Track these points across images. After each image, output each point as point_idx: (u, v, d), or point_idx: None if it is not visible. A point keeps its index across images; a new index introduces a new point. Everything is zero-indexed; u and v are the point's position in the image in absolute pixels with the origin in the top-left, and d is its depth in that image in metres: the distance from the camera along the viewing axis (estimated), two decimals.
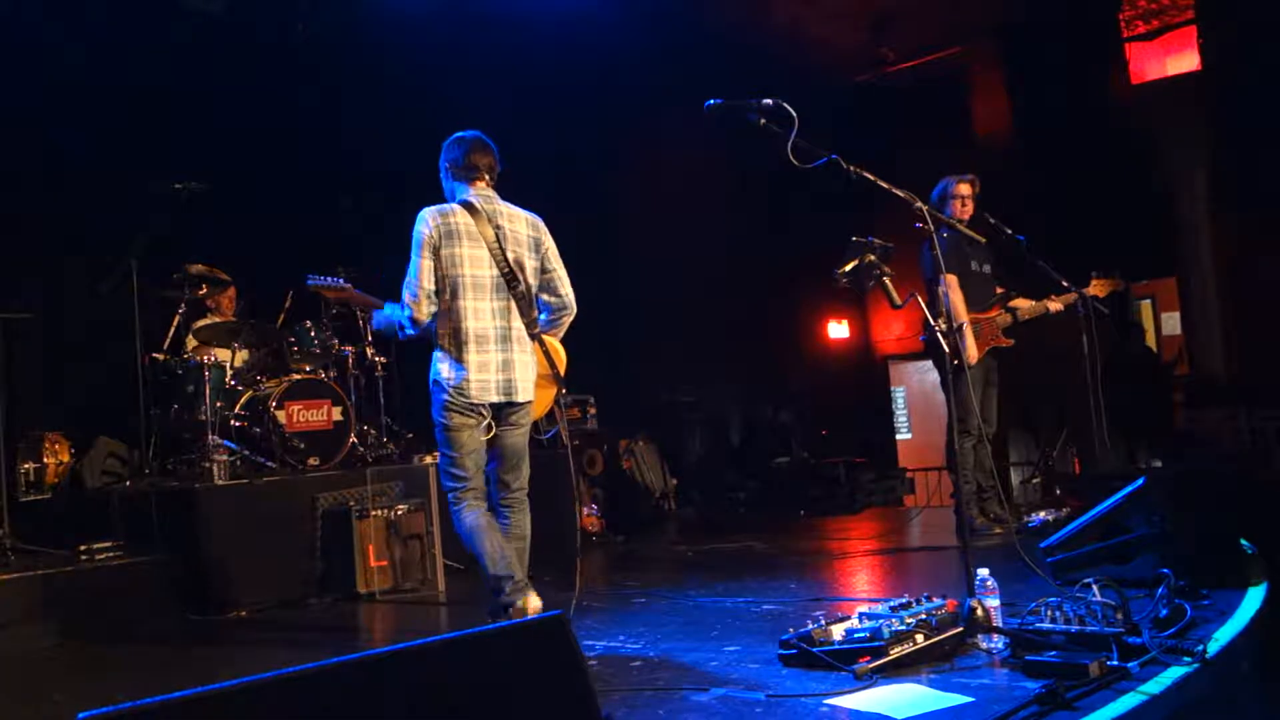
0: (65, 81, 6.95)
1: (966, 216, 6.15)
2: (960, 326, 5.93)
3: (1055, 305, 6.33)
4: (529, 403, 4.18)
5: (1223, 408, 8.62)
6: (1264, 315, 8.90)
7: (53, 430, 6.60)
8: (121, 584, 5.21)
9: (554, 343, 4.30)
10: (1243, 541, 4.57)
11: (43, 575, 5.02)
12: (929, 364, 11.78)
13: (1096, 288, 6.38)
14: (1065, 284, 6.62)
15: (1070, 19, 9.54)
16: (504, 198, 4.29)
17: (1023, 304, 6.32)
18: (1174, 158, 9.65)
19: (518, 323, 4.13)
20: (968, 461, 6.04)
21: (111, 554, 5.35)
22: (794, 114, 3.70)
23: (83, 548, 5.33)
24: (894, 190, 3.84)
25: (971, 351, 6.00)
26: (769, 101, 3.79)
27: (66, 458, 6.57)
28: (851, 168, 3.83)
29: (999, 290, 6.34)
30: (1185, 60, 9.31)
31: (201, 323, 6.88)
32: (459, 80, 8.20)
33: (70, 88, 6.98)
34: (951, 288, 5.97)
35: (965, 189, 6.21)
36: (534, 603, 3.93)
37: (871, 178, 3.85)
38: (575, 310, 4.30)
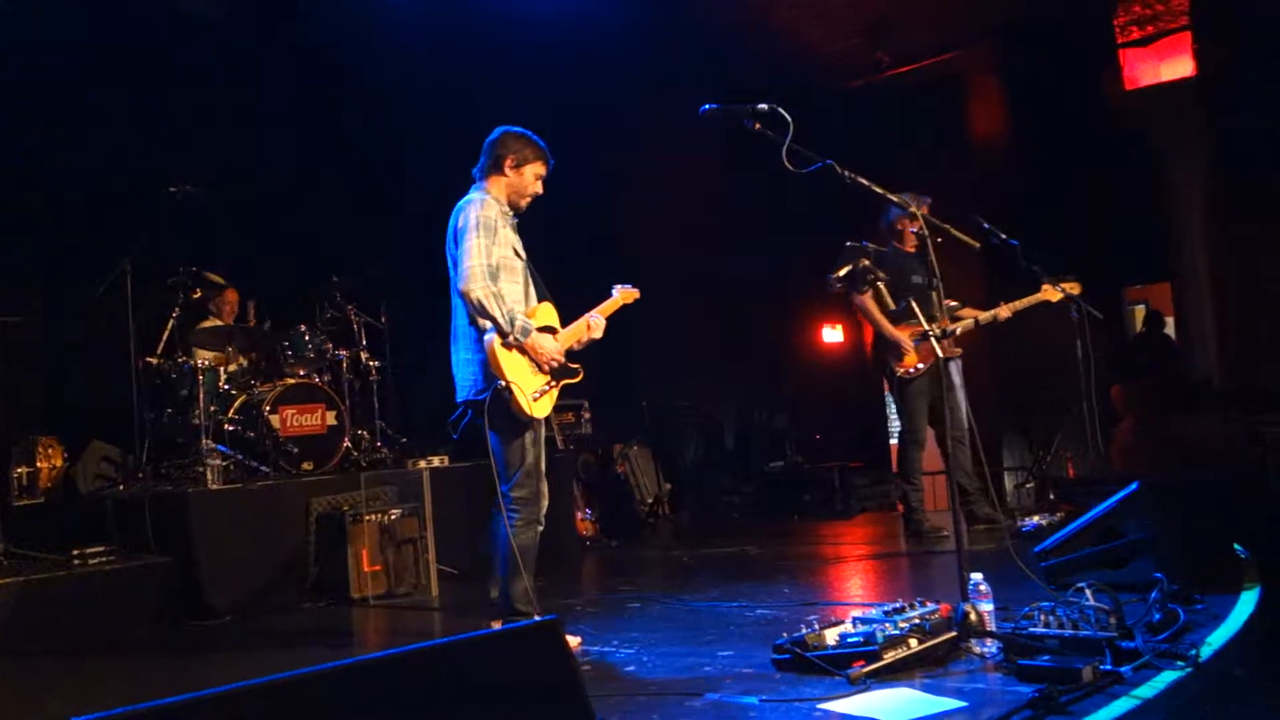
0: (60, 84, 6.95)
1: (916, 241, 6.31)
2: (895, 339, 6.26)
3: (1004, 313, 6.37)
4: (469, 400, 4.15)
5: (1217, 413, 8.62)
6: (1259, 320, 8.91)
7: (46, 434, 6.59)
8: (114, 588, 5.19)
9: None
10: (1236, 546, 4.58)
11: (35, 580, 5.01)
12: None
13: (1048, 293, 6.38)
14: (1062, 288, 6.63)
15: (1065, 24, 9.56)
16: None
17: (971, 314, 6.39)
18: (1168, 163, 9.67)
19: (456, 320, 4.22)
20: (918, 469, 6.44)
21: (104, 558, 5.34)
22: (789, 119, 3.70)
23: (75, 552, 5.32)
24: (888, 195, 3.85)
25: (913, 357, 6.24)
26: (764, 106, 3.80)
27: (60, 462, 6.56)
28: (846, 173, 3.84)
29: (951, 302, 6.37)
30: (1180, 66, 9.33)
31: (197, 326, 6.88)
32: (456, 87, 8.21)
33: (67, 91, 6.98)
34: (868, 301, 6.20)
35: (924, 210, 6.25)
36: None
37: (866, 183, 3.86)
38: (466, 287, 3.99)
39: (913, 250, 6.35)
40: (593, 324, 4.34)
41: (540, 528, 4.16)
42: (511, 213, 4.23)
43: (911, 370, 6.29)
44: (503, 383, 3.98)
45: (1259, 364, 8.86)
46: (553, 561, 4.29)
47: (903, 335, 6.29)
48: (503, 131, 4.25)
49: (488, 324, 4.02)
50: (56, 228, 7.02)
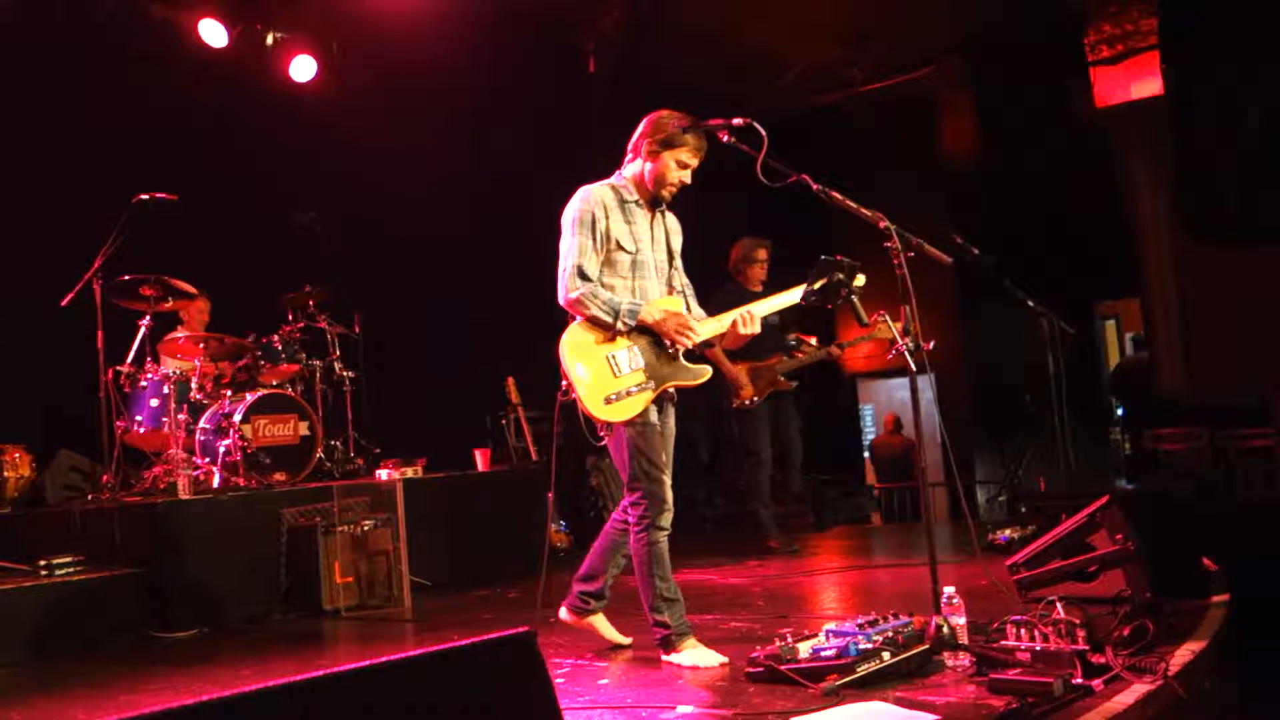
0: (25, 87, 6.91)
1: (762, 278, 6.81)
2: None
3: (835, 351, 6.98)
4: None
5: (1185, 428, 8.72)
6: (1225, 336, 9.01)
7: (13, 443, 6.51)
8: (82, 600, 5.13)
9: None
10: (1204, 560, 4.62)
11: (1, 590, 4.94)
12: (898, 381, 11.88)
13: (880, 331, 6.60)
14: (1030, 302, 6.69)
15: (1036, 42, 9.67)
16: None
17: (805, 351, 6.91)
18: (1137, 180, 9.78)
19: None
20: (767, 489, 6.96)
21: (72, 569, 5.27)
22: (764, 133, 3.73)
23: (43, 562, 5.25)
24: (860, 210, 3.86)
25: (749, 390, 6.72)
26: (739, 121, 3.83)
27: (27, 471, 6.48)
28: (819, 187, 3.87)
29: (792, 338, 6.94)
30: (1148, 85, 9.45)
31: (168, 336, 6.82)
32: (420, 95, 8.22)
33: (32, 95, 6.93)
34: None
35: (763, 253, 6.83)
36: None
37: (839, 197, 3.88)
38: (562, 297, 3.85)
39: (758, 289, 6.79)
40: (745, 318, 3.93)
41: (663, 534, 3.83)
42: (639, 200, 3.97)
43: (748, 402, 6.75)
44: (564, 383, 3.80)
45: (1225, 379, 8.96)
46: (525, 573, 4.27)
47: (739, 370, 6.74)
48: (657, 112, 3.93)
49: (598, 324, 3.80)
50: (26, 235, 6.93)
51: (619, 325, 3.78)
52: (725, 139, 3.91)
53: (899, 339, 3.89)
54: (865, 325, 3.99)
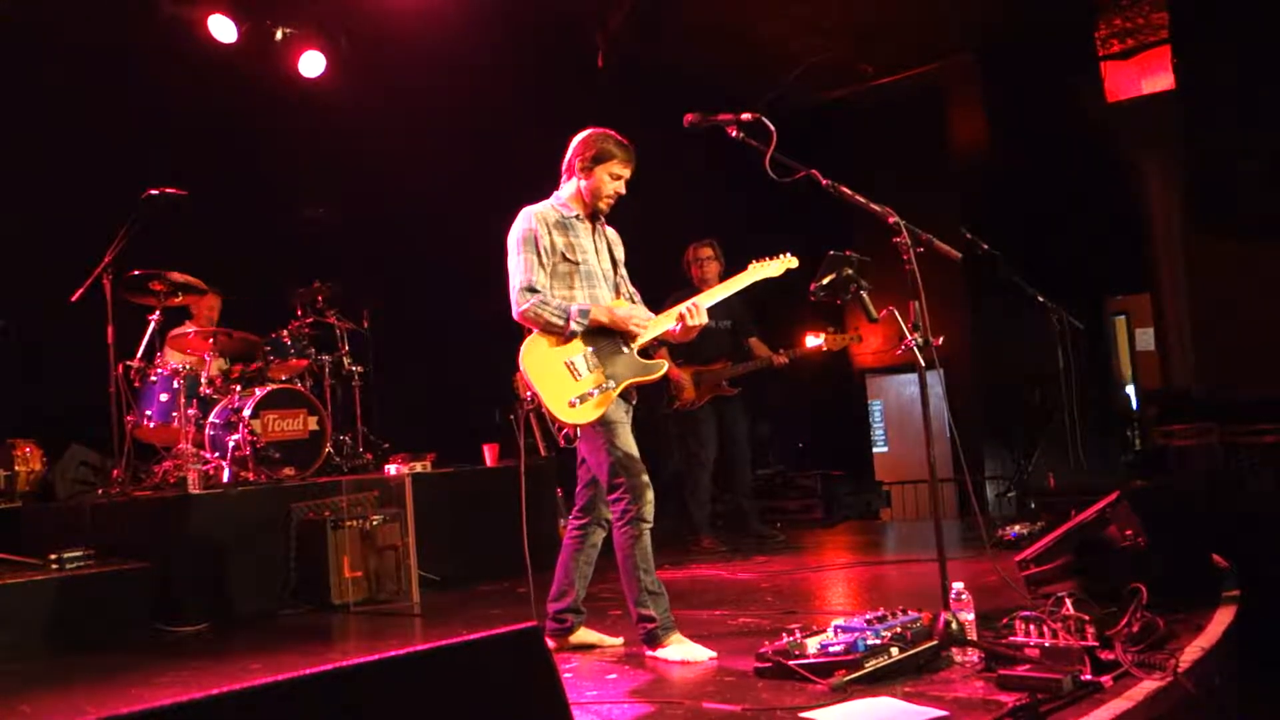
0: (39, 86, 6.92)
1: (710, 276, 6.88)
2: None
3: (780, 359, 6.99)
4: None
5: (1195, 423, 8.68)
6: (1237, 332, 8.98)
7: (24, 437, 6.53)
8: (92, 593, 5.15)
9: None
10: (1215, 556, 4.60)
11: (11, 584, 4.97)
12: (908, 377, 11.85)
13: (829, 342, 6.88)
14: (1040, 298, 6.67)
15: (1047, 37, 9.63)
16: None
17: (762, 354, 7.03)
18: (1148, 175, 9.75)
19: None
20: (705, 489, 7.12)
21: (82, 563, 5.29)
22: (772, 129, 3.72)
23: (53, 556, 5.26)
24: (869, 205, 3.85)
25: (690, 393, 6.91)
26: (748, 116, 3.83)
27: (38, 466, 6.50)
28: (827, 183, 3.86)
29: (745, 343, 7.08)
30: (1160, 80, 9.40)
31: (177, 330, 6.83)
32: (429, 91, 8.22)
33: (50, 93, 6.95)
34: None
35: (707, 252, 6.96)
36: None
37: (848, 193, 3.87)
38: (515, 313, 3.99)
39: (712, 276, 6.86)
40: (690, 310, 4.08)
41: (647, 525, 3.95)
42: (579, 214, 4.13)
43: (690, 405, 6.94)
44: (529, 394, 3.89)
45: (1237, 375, 8.92)
46: (534, 567, 4.27)
47: (684, 374, 6.89)
48: (584, 132, 4.14)
49: (553, 330, 3.92)
50: (36, 231, 6.95)
51: (572, 326, 3.92)
52: (734, 134, 3.91)
53: (909, 334, 3.87)
54: (874, 320, 3.97)
